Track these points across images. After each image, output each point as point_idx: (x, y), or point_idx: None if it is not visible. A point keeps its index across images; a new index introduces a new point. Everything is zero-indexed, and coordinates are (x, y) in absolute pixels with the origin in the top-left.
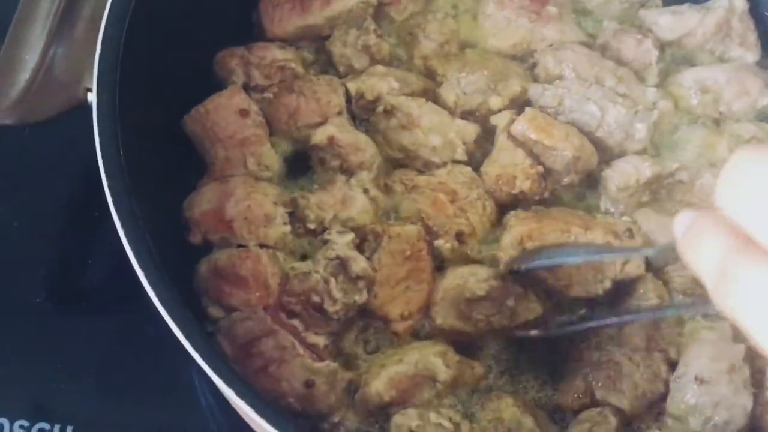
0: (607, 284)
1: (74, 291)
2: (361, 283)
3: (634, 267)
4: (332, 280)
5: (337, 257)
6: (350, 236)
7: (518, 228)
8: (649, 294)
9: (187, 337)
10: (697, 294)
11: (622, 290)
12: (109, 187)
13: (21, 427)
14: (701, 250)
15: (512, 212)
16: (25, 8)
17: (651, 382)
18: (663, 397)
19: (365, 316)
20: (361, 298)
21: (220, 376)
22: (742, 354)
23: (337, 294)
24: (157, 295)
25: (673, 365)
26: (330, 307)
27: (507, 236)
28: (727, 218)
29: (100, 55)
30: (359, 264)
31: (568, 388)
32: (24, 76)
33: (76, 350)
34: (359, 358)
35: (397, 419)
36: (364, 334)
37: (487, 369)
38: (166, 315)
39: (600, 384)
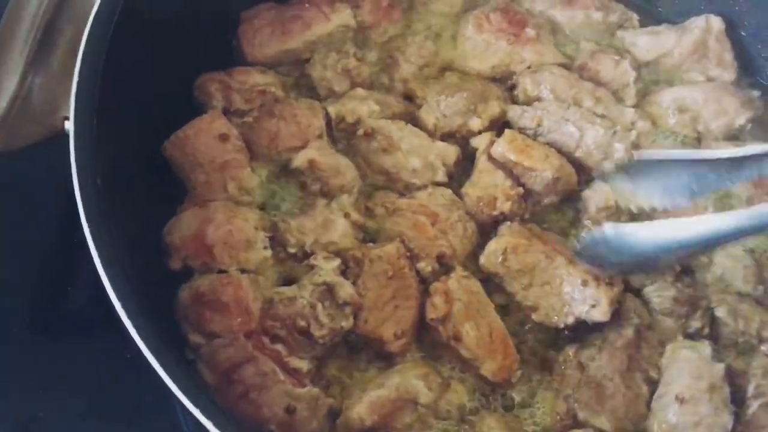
0: (570, 320)
1: (55, 318)
2: (347, 309)
3: (600, 313)
4: (319, 306)
5: (324, 283)
6: (336, 262)
7: (507, 239)
8: (630, 314)
9: (165, 369)
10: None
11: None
12: (86, 215)
13: None
14: None
15: (507, 223)
16: (3, 37)
17: (633, 402)
18: (645, 417)
19: (354, 342)
20: (347, 323)
21: (198, 406)
22: (721, 373)
23: (324, 319)
24: (134, 325)
25: (654, 385)
26: (316, 332)
27: (494, 243)
28: None
29: (78, 83)
30: (346, 290)
31: (551, 409)
32: (1, 104)
33: (56, 378)
34: (341, 382)
35: None
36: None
37: (470, 390)
38: (143, 346)
39: (582, 405)
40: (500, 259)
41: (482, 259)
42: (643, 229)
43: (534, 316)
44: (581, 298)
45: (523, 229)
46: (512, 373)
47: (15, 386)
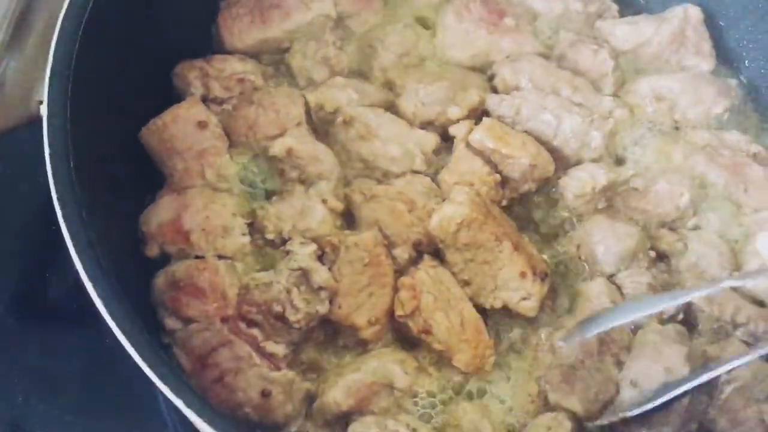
0: (498, 303)
1: (34, 304)
2: (323, 294)
3: (529, 308)
4: (294, 290)
5: (300, 268)
6: (312, 247)
7: (467, 211)
8: (602, 297)
9: (134, 346)
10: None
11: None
12: (58, 199)
13: None
14: None
15: (465, 188)
16: None
17: (603, 384)
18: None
19: (330, 327)
20: (323, 308)
21: (168, 385)
22: (681, 355)
23: (300, 304)
24: (105, 305)
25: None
26: (292, 317)
27: (452, 209)
28: None
29: (52, 67)
30: (321, 275)
31: (522, 391)
32: None
33: (35, 364)
34: (318, 367)
35: (355, 427)
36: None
37: (446, 374)
38: (113, 324)
39: (553, 387)
40: (454, 229)
41: (435, 222)
42: None
43: (466, 290)
44: (516, 287)
45: (481, 201)
46: (486, 362)
47: None
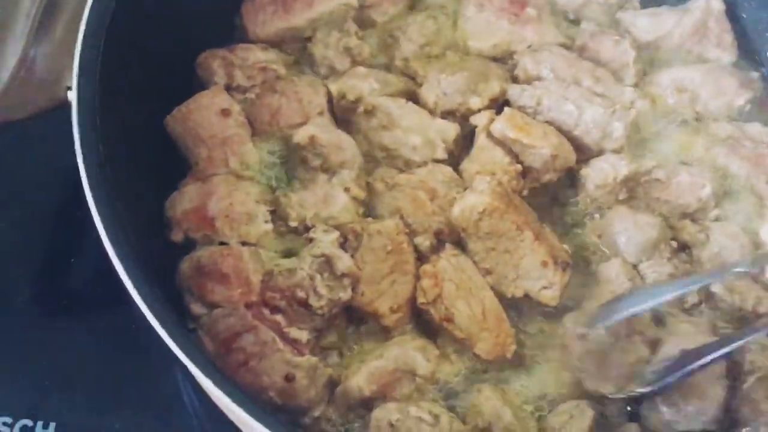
0: (519, 293)
1: (58, 291)
2: (346, 281)
3: (551, 297)
4: (318, 277)
5: (323, 255)
6: (335, 234)
7: (488, 200)
8: (621, 278)
9: (166, 329)
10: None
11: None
12: (89, 183)
13: (5, 424)
14: None
15: (486, 178)
16: (6, 7)
17: (636, 365)
18: None
19: (353, 315)
20: (345, 294)
21: (198, 366)
22: None
23: (323, 290)
24: (137, 288)
25: (653, 345)
26: (315, 303)
27: (473, 197)
28: None
29: (80, 54)
30: (344, 262)
31: (556, 380)
32: (4, 75)
33: (59, 351)
34: (341, 353)
35: (377, 413)
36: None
37: (468, 362)
38: (144, 308)
39: (588, 375)
40: (476, 218)
41: (457, 210)
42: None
43: (487, 279)
44: (537, 276)
45: (503, 190)
46: (507, 350)
47: (14, 356)
